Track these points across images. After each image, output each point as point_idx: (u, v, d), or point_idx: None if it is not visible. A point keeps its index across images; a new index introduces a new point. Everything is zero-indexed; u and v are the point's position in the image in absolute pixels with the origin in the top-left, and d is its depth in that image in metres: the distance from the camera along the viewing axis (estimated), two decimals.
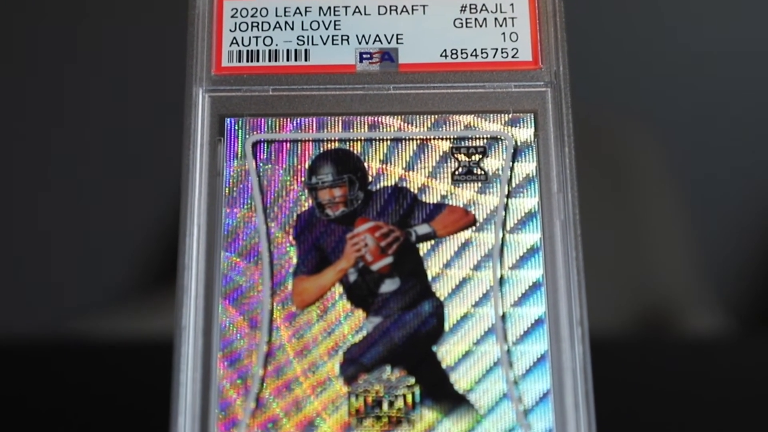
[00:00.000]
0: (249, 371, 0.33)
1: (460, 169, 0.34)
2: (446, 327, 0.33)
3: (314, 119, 0.35)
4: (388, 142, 0.35)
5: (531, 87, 0.35)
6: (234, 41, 0.36)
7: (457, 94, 0.35)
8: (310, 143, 0.35)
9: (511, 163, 0.34)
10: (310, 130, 0.35)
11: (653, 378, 0.55)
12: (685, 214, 0.78)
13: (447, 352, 0.33)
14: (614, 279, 0.72)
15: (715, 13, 0.89)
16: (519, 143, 0.35)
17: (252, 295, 0.33)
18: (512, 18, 0.36)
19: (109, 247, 0.81)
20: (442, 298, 0.33)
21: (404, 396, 0.32)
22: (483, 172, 0.34)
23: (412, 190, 0.34)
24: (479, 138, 0.35)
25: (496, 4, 0.36)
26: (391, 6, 0.36)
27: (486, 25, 0.36)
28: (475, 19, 0.36)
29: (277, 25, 0.36)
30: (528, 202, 0.34)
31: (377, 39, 0.36)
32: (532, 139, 0.35)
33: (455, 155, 0.35)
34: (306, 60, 0.35)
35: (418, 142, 0.35)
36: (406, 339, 0.33)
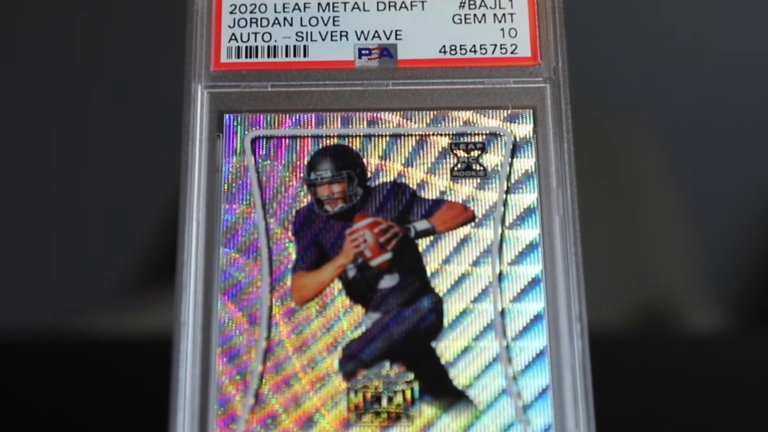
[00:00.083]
0: (248, 367, 0.33)
1: (459, 165, 0.34)
2: (445, 323, 0.33)
3: (313, 115, 0.35)
4: (387, 138, 0.35)
5: (530, 83, 0.35)
6: (233, 37, 0.36)
7: (456, 90, 0.35)
8: (309, 139, 0.35)
9: (510, 159, 0.34)
10: (309, 126, 0.35)
11: (652, 374, 0.55)
12: (684, 211, 0.78)
13: (446, 348, 0.33)
14: (613, 275, 0.72)
15: (715, 10, 0.89)
16: (518, 139, 0.35)
17: (251, 291, 0.33)
18: (511, 14, 0.36)
19: (108, 243, 0.81)
20: (441, 294, 0.33)
21: (403, 392, 0.32)
22: (482, 168, 0.34)
23: (411, 186, 0.34)
24: (478, 134, 0.35)
25: (495, 0, 0.36)
26: (389, 2, 0.36)
27: (485, 21, 0.36)
28: (474, 15, 0.36)
29: (276, 21, 0.36)
30: (527, 197, 0.34)
31: (376, 35, 0.36)
32: (531, 135, 0.35)
33: (454, 151, 0.35)
34: (305, 56, 0.35)
35: (417, 138, 0.35)
36: (405, 335, 0.33)
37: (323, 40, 0.36)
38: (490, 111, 0.35)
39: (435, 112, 0.35)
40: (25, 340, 0.61)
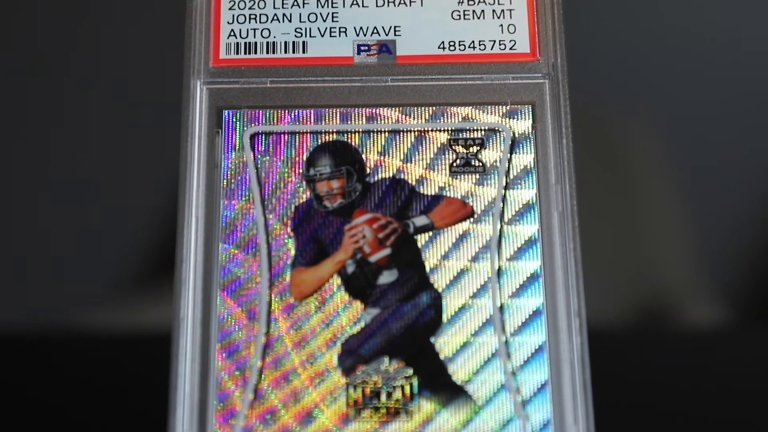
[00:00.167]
0: (247, 362, 0.33)
1: (458, 161, 0.34)
2: (444, 318, 0.33)
3: (312, 111, 0.35)
4: (386, 133, 0.35)
5: (529, 79, 0.35)
6: (232, 33, 0.36)
7: (455, 85, 0.35)
8: (308, 135, 0.35)
9: (509, 155, 0.34)
10: (308, 122, 0.35)
11: (651, 369, 0.55)
12: (683, 206, 0.78)
13: (445, 344, 0.33)
14: (612, 270, 0.72)
15: (715, 5, 0.89)
16: (517, 135, 0.35)
17: (250, 287, 0.33)
18: (510, 10, 0.36)
19: (107, 239, 0.81)
20: (440, 290, 0.33)
21: (402, 387, 0.32)
22: (481, 164, 0.34)
23: (410, 181, 0.34)
24: (477, 130, 0.35)
25: None
26: None
27: (484, 17, 0.36)
28: (473, 11, 0.36)
29: (275, 17, 0.36)
30: (526, 193, 0.34)
31: (375, 31, 0.36)
32: (530, 131, 0.35)
33: (453, 147, 0.35)
34: (304, 52, 0.35)
35: (416, 133, 0.35)
36: (404, 330, 0.33)
37: (322, 36, 0.36)
38: (489, 107, 0.35)
39: (434, 108, 0.35)
40: (24, 336, 0.61)
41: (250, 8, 0.36)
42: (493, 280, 0.33)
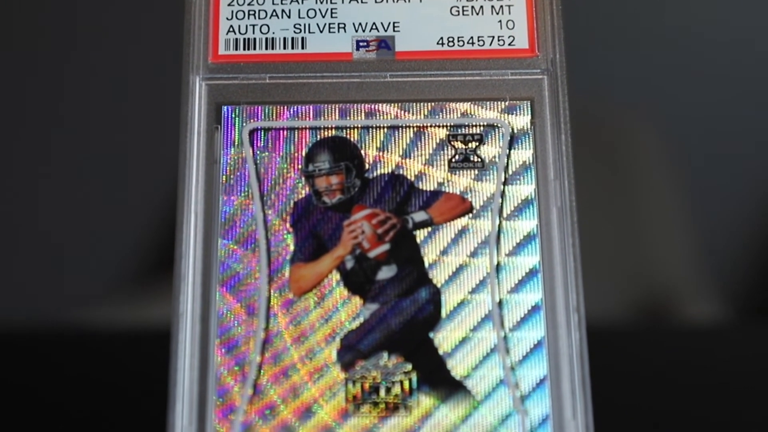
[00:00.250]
0: (246, 358, 0.33)
1: (457, 157, 0.34)
2: (443, 313, 0.33)
3: (311, 107, 0.35)
4: (385, 129, 0.35)
5: (528, 74, 0.35)
6: (231, 29, 0.36)
7: (454, 81, 0.35)
8: (307, 131, 0.35)
9: (507, 151, 0.34)
10: (307, 118, 0.35)
11: (650, 365, 0.55)
12: (683, 202, 0.79)
13: (444, 339, 0.33)
14: (611, 266, 0.72)
15: (715, 2, 0.89)
16: (516, 130, 0.35)
17: (249, 282, 0.33)
18: (509, 6, 0.36)
19: (106, 236, 0.81)
20: (438, 285, 0.33)
21: (401, 382, 0.33)
22: (480, 160, 0.34)
23: (408, 177, 0.34)
24: (476, 125, 0.35)
25: None
26: None
27: (482, 13, 0.36)
28: (472, 7, 0.36)
29: (274, 13, 0.36)
30: (525, 189, 0.34)
31: (374, 27, 0.36)
32: (529, 127, 0.35)
33: (452, 142, 0.35)
34: (303, 48, 0.36)
35: (415, 129, 0.35)
36: (403, 325, 0.33)
37: (321, 32, 0.36)
38: (488, 102, 0.35)
39: (433, 104, 0.35)
40: (24, 333, 0.61)
41: (249, 4, 0.36)
42: (492, 275, 0.33)
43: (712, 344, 0.59)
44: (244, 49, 0.35)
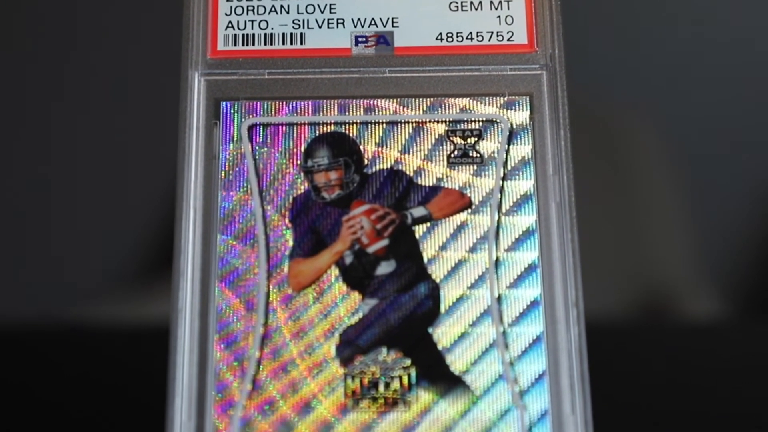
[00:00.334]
0: (245, 353, 0.33)
1: (456, 152, 0.34)
2: (442, 309, 0.33)
3: (310, 103, 0.35)
4: (384, 125, 0.35)
5: (526, 70, 0.35)
6: (229, 25, 0.36)
7: (453, 77, 0.35)
8: (306, 126, 0.35)
9: (506, 146, 0.34)
10: (306, 114, 0.35)
11: (649, 360, 0.55)
12: (683, 198, 0.78)
13: (443, 334, 0.33)
14: (610, 261, 0.72)
15: (716, 1, 0.89)
16: (514, 126, 0.35)
17: (248, 278, 0.33)
18: (507, 1, 0.36)
19: (105, 233, 0.81)
20: (437, 280, 0.33)
21: (400, 377, 0.33)
22: (478, 155, 0.34)
23: (407, 173, 0.34)
24: (475, 121, 0.35)
25: None
26: None
27: (481, 9, 0.36)
28: (471, 3, 0.36)
29: (273, 9, 0.36)
30: (523, 184, 0.34)
31: (372, 22, 0.36)
32: (528, 122, 0.35)
33: (451, 138, 0.35)
34: (301, 43, 0.35)
35: (414, 125, 0.35)
36: (402, 321, 0.33)
37: (320, 27, 0.36)
38: (487, 98, 0.35)
39: (432, 99, 0.35)
40: (24, 330, 0.61)
41: (247, 0, 0.36)
42: (490, 270, 0.33)
43: (711, 340, 0.59)
44: (243, 44, 0.35)
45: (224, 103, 0.35)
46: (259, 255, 0.34)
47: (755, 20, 0.88)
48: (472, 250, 0.34)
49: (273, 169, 0.34)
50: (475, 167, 0.34)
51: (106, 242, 0.80)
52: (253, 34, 0.36)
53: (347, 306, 0.33)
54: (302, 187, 0.34)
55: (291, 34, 0.36)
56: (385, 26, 0.36)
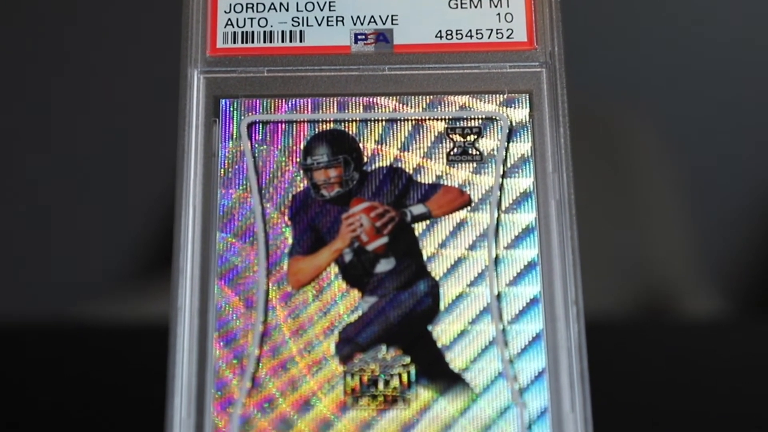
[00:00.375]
0: (245, 351, 0.33)
1: (455, 150, 0.34)
2: (441, 306, 0.33)
3: (309, 100, 0.35)
4: (383, 122, 0.35)
5: (526, 67, 0.35)
6: (229, 22, 0.36)
7: (452, 74, 0.35)
8: (305, 124, 0.35)
9: (506, 144, 0.34)
10: (305, 111, 0.35)
11: (649, 358, 0.55)
12: (682, 195, 0.79)
13: (442, 332, 0.33)
14: (610, 259, 0.72)
15: (716, 1, 0.89)
16: (514, 123, 0.35)
17: (248, 276, 0.33)
18: None
19: (104, 231, 0.81)
20: (437, 278, 0.33)
21: (400, 375, 0.33)
22: (478, 153, 0.34)
23: (407, 170, 0.34)
24: (474, 118, 0.35)
25: None
26: None
27: (481, 6, 0.36)
28: (470, 0, 0.36)
29: (272, 7, 0.36)
30: (523, 182, 0.34)
31: (372, 20, 0.36)
32: (528, 120, 0.35)
33: (450, 136, 0.35)
34: (301, 41, 0.35)
35: (413, 122, 0.35)
36: (402, 318, 0.33)
37: (319, 25, 0.36)
38: (487, 96, 0.35)
39: (431, 97, 0.35)
40: (23, 328, 0.61)
41: None
42: (490, 268, 0.33)
43: (711, 338, 0.59)
44: (243, 42, 0.35)
45: (223, 100, 0.35)
46: (259, 253, 0.34)
47: (755, 20, 0.88)
48: (472, 247, 0.34)
49: (272, 167, 0.34)
50: (475, 165, 0.34)
51: (105, 240, 0.80)
52: (253, 32, 0.36)
53: (347, 304, 0.33)
54: (302, 185, 0.34)
55: (290, 31, 0.36)
56: (384, 24, 0.36)
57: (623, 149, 0.78)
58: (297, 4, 0.36)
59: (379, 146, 0.35)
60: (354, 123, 0.35)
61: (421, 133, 0.35)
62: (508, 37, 0.35)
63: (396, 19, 0.36)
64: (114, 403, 0.51)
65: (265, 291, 0.33)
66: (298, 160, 0.34)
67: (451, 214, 0.34)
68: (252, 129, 0.35)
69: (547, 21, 0.35)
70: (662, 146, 0.80)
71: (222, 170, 0.34)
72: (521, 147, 0.34)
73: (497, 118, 0.35)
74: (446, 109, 0.35)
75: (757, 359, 0.56)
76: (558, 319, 0.33)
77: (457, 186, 0.34)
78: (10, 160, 0.83)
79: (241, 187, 0.34)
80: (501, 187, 0.34)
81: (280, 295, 0.33)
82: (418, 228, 0.34)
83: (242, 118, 0.35)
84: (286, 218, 0.34)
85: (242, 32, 0.36)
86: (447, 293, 0.33)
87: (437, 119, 0.35)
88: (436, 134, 0.35)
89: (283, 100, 0.35)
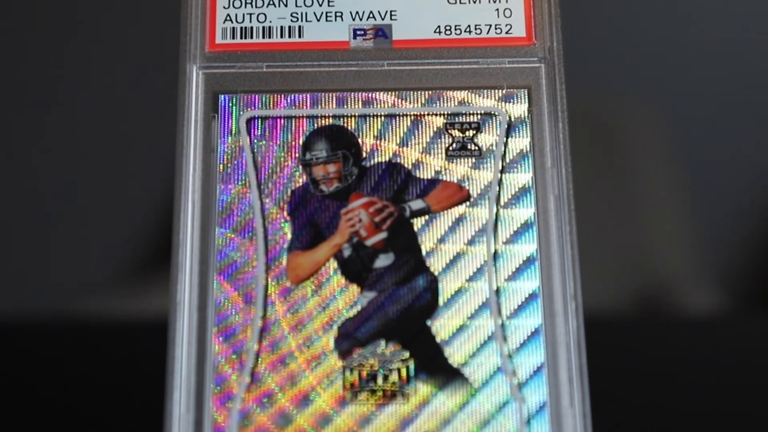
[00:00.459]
0: (244, 346, 0.33)
1: (454, 145, 0.34)
2: (440, 301, 0.33)
3: (308, 95, 0.35)
4: (382, 118, 0.35)
5: (525, 63, 0.35)
6: (228, 18, 0.36)
7: (451, 70, 0.35)
8: (304, 119, 0.35)
9: (505, 139, 0.34)
10: (304, 107, 0.35)
11: (648, 353, 0.55)
12: (682, 191, 0.79)
13: (441, 327, 0.33)
14: (608, 254, 0.72)
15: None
16: (513, 119, 0.35)
17: (247, 271, 0.33)
18: None
19: (104, 228, 0.81)
20: (436, 273, 0.33)
21: (399, 370, 0.33)
22: (477, 148, 0.34)
23: (406, 165, 0.34)
24: (473, 114, 0.35)
25: None
26: None
27: (479, 1, 0.36)
28: None
29: (271, 2, 0.36)
30: (522, 177, 0.34)
31: (371, 15, 0.36)
32: (526, 115, 0.35)
33: (449, 131, 0.35)
34: (300, 36, 0.35)
35: (412, 118, 0.35)
36: (401, 313, 0.33)
37: (318, 20, 0.36)
38: (485, 91, 0.35)
39: (430, 92, 0.35)
40: (23, 325, 0.61)
41: None
42: (489, 263, 0.33)
43: (710, 333, 0.59)
44: (241, 37, 0.35)
45: (222, 96, 0.35)
46: (258, 248, 0.34)
47: (755, 20, 0.88)
48: (471, 242, 0.34)
49: (271, 162, 0.34)
50: (474, 160, 0.34)
51: (105, 236, 0.80)
52: (252, 27, 0.36)
53: (346, 299, 0.33)
54: (300, 180, 0.34)
55: (289, 27, 0.36)
56: (383, 19, 0.36)
57: (622, 144, 0.78)
58: None
59: (378, 141, 0.35)
60: (353, 118, 0.35)
61: (420, 128, 0.35)
62: (506, 33, 0.35)
63: (395, 15, 0.36)
64: (113, 398, 0.51)
65: (264, 286, 0.33)
66: (297, 155, 0.34)
67: (450, 209, 0.34)
68: (251, 124, 0.35)
69: (546, 16, 0.35)
70: (661, 141, 0.80)
71: (221, 165, 0.34)
72: (520, 142, 0.34)
73: (496, 113, 0.35)
74: (445, 104, 0.35)
75: (755, 355, 0.56)
76: (557, 314, 0.33)
77: (456, 181, 0.34)
78: (9, 155, 0.83)
79: (240, 183, 0.34)
80: (500, 183, 0.34)
81: (279, 290, 0.33)
82: (417, 223, 0.34)
83: (241, 113, 0.35)
84: (285, 213, 0.34)
85: (241, 28, 0.36)
86: (446, 288, 0.33)
87: (436, 114, 0.35)
88: (435, 129, 0.35)
89: (282, 96, 0.35)
